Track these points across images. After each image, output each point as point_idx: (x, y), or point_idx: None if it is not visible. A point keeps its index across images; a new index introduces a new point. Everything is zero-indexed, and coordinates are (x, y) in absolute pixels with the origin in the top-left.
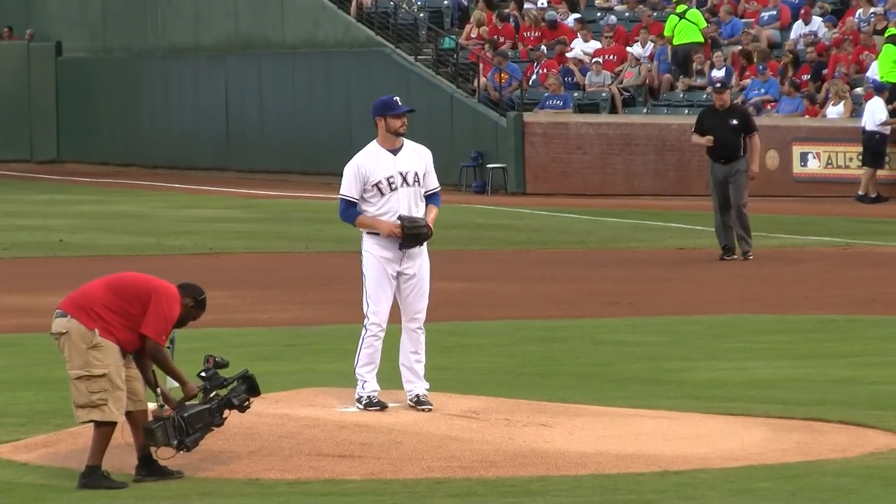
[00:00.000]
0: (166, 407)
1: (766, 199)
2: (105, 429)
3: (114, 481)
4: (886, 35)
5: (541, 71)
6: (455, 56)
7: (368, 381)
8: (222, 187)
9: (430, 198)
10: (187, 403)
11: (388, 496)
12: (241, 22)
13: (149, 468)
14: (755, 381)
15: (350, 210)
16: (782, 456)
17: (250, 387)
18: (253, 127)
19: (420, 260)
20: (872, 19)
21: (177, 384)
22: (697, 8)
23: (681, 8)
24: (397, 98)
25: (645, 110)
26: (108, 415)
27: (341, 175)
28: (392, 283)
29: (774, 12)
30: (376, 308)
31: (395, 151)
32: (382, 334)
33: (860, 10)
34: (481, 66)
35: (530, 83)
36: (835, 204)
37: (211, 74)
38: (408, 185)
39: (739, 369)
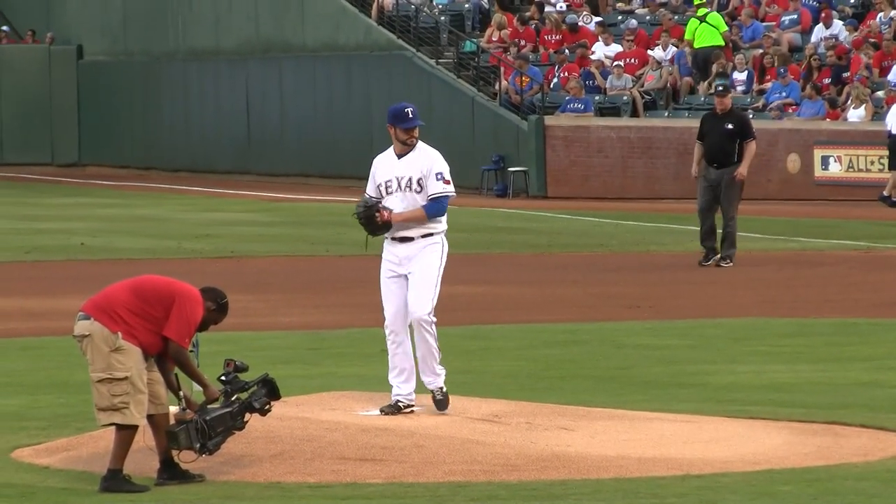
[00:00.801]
0: (188, 410)
1: (787, 203)
2: (126, 432)
3: (135, 485)
4: None
5: (562, 74)
6: (476, 59)
7: (393, 387)
8: (243, 190)
9: (429, 202)
10: (209, 407)
11: (410, 499)
12: (262, 25)
13: (171, 471)
14: (776, 385)
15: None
16: (804, 460)
17: (271, 390)
18: (273, 130)
19: (417, 259)
20: (892, 23)
21: (199, 388)
22: (718, 11)
23: (701, 11)
24: (409, 110)
25: (666, 114)
26: (130, 418)
27: (362, 178)
28: (397, 285)
29: (795, 16)
30: (385, 311)
31: (401, 156)
32: (397, 337)
33: (881, 14)
34: (502, 69)
35: (551, 86)
36: (856, 207)
37: (231, 78)
38: (401, 189)
39: (760, 373)
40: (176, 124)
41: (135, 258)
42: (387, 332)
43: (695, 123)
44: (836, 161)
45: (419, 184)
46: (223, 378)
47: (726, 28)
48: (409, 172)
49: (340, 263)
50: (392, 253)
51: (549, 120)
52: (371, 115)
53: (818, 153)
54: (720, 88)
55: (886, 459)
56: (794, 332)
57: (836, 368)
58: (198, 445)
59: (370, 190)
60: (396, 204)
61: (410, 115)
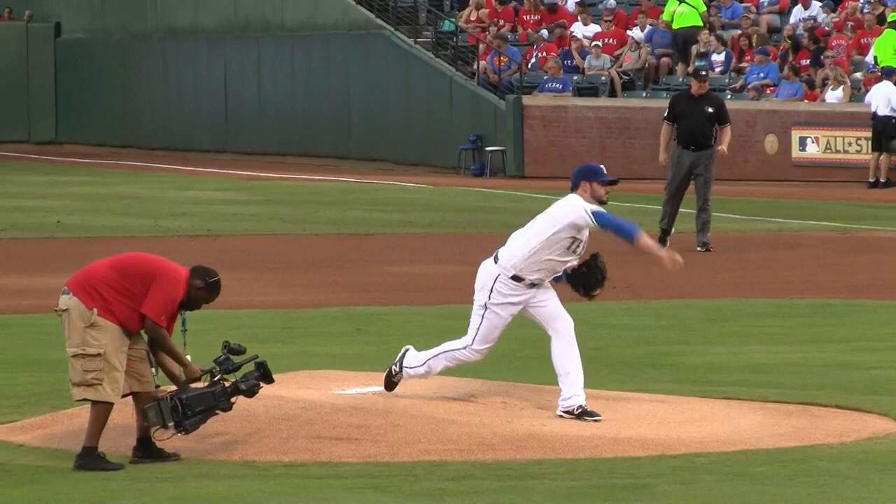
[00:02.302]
0: (163, 388)
1: (765, 184)
2: (101, 409)
3: (110, 462)
4: (889, 20)
5: (540, 54)
6: (454, 39)
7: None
8: (220, 169)
9: None
10: (190, 386)
11: (385, 479)
12: (241, 4)
13: (146, 450)
14: (752, 366)
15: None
16: (779, 440)
17: (264, 374)
18: (251, 109)
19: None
20: (869, 7)
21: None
22: None
23: None
24: (603, 167)
25: (644, 94)
26: (103, 395)
27: (339, 157)
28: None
29: None
30: (485, 345)
31: None
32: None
33: None
34: (480, 48)
35: (529, 66)
36: (834, 189)
37: (210, 56)
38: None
39: (736, 353)
40: (154, 103)
41: (111, 236)
42: (473, 356)
43: None
44: (813, 142)
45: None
46: (217, 359)
47: (705, 9)
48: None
49: (316, 242)
50: (522, 294)
51: (527, 100)
52: (349, 95)
53: (796, 134)
54: (703, 73)
55: (861, 441)
56: (770, 313)
57: (813, 349)
58: (171, 423)
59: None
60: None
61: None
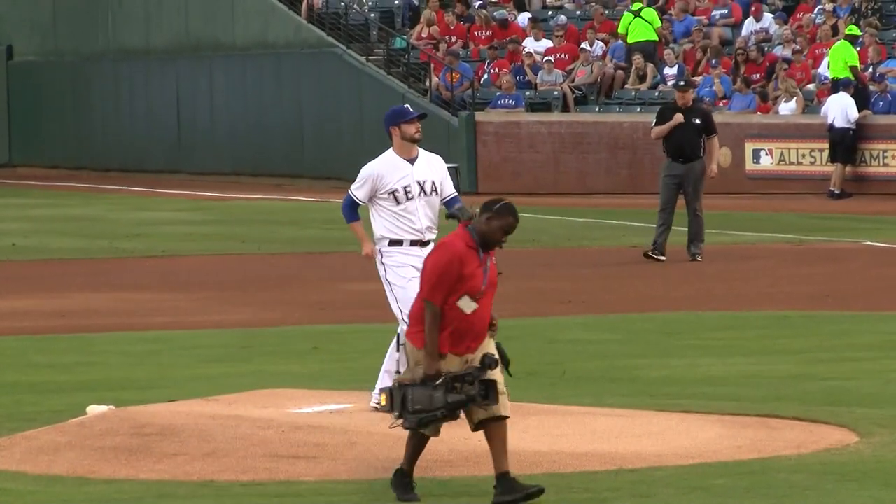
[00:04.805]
0: (399, 372)
1: (719, 196)
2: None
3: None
4: (846, 33)
5: (492, 70)
6: (406, 56)
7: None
8: (174, 189)
9: (450, 201)
10: (421, 382)
11: (343, 497)
12: (192, 24)
13: (504, 485)
14: (709, 379)
15: (352, 210)
16: (736, 453)
17: (483, 393)
18: (204, 129)
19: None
20: (821, 18)
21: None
22: (650, 6)
23: (636, 6)
24: (408, 105)
25: (597, 108)
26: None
27: (293, 176)
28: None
29: (726, 10)
30: (405, 311)
31: (412, 161)
32: None
33: (820, 6)
34: (432, 65)
35: (482, 82)
36: (788, 200)
37: (162, 77)
38: (425, 194)
39: (693, 366)
40: (107, 124)
41: (67, 258)
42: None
43: (626, 118)
44: (767, 154)
45: (440, 187)
46: (469, 366)
47: (660, 24)
48: (429, 177)
49: (271, 261)
50: (416, 256)
51: (480, 116)
52: (302, 113)
53: (749, 146)
54: (682, 83)
55: (819, 452)
56: (726, 326)
57: (769, 361)
58: (396, 413)
59: (363, 193)
60: (418, 210)
61: (411, 109)
